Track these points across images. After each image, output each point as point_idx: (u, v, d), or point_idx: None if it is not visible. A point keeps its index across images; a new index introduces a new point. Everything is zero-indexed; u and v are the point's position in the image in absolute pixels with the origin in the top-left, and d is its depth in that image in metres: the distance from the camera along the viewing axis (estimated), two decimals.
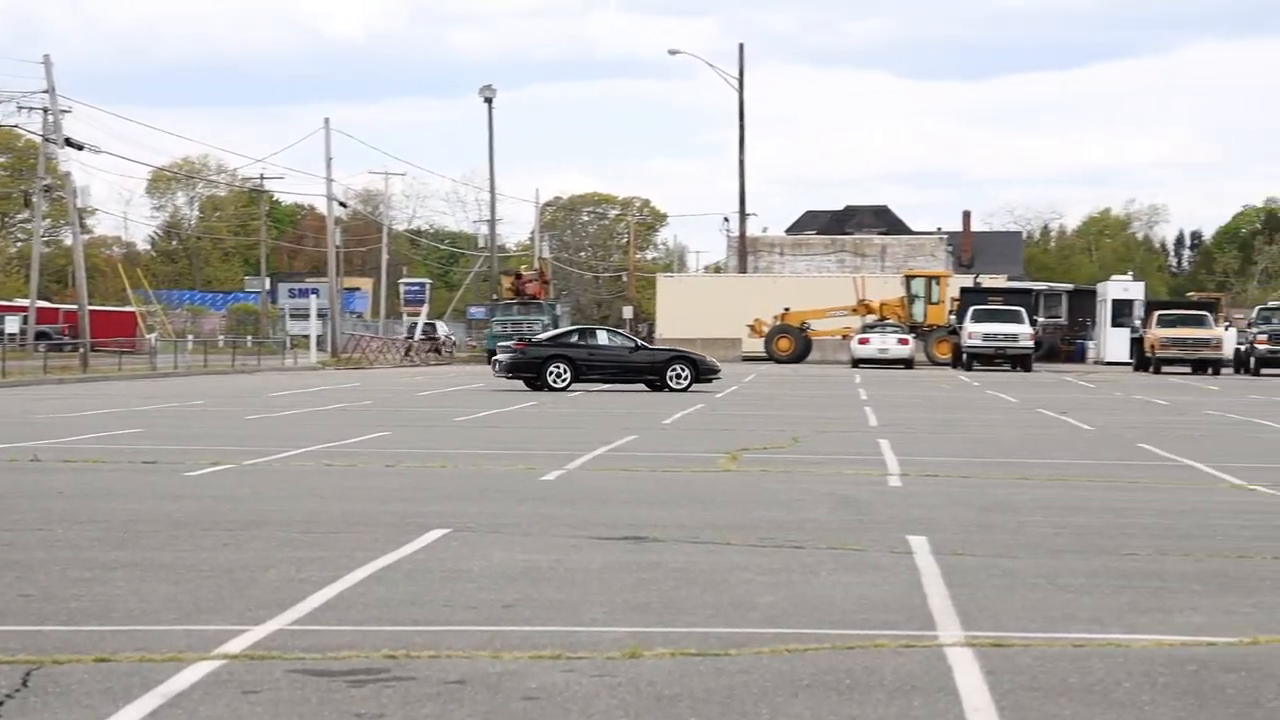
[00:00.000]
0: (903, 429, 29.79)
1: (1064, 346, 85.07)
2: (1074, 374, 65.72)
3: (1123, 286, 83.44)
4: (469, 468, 20.96)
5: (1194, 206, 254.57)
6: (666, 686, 8.41)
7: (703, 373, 44.93)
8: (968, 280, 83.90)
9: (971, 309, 71.42)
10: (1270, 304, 78.01)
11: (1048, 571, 12.43)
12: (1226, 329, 72.49)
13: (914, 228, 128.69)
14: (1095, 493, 18.65)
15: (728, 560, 12.85)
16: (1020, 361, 69.11)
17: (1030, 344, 69.54)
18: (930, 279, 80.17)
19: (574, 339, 46.42)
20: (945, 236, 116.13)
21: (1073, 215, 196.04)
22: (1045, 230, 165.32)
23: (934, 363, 74.44)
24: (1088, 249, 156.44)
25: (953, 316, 75.21)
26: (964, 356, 69.90)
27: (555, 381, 44.36)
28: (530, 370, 44.89)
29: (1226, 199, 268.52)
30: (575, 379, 44.74)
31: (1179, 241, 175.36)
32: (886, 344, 71.59)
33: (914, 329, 75.42)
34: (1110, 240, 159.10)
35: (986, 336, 69.34)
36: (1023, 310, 71.89)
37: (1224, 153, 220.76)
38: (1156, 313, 70.71)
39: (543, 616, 10.35)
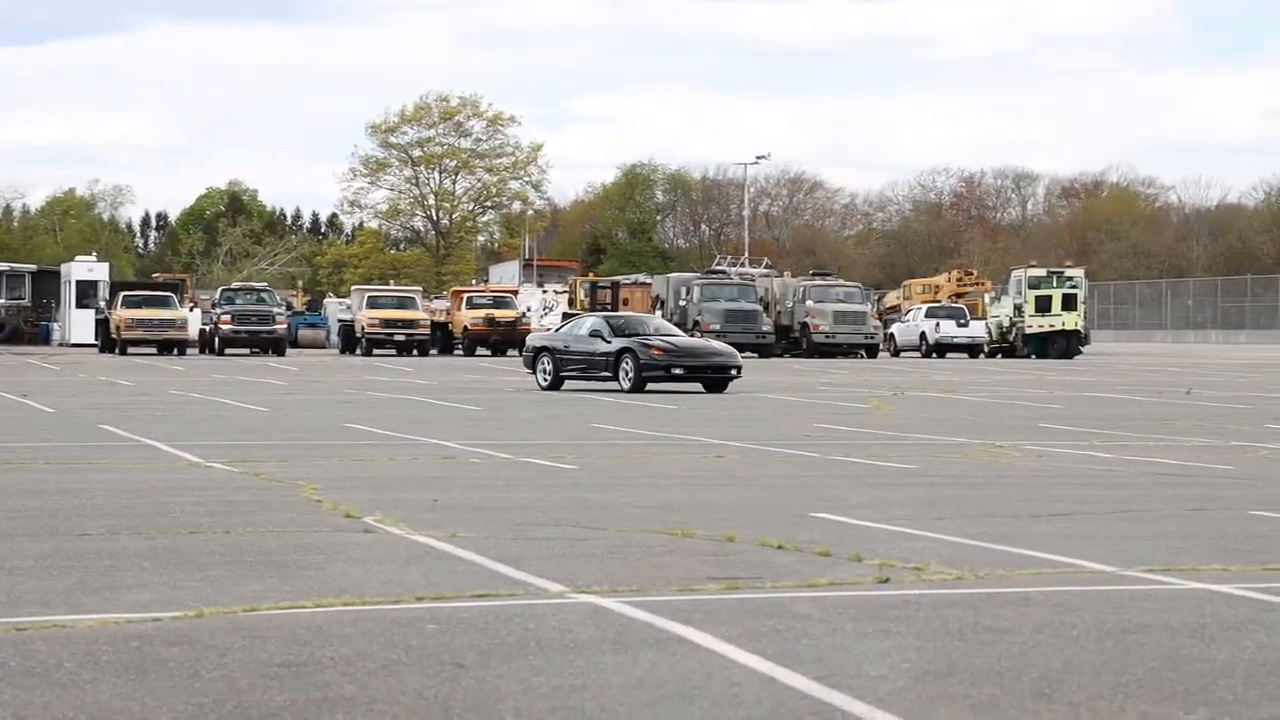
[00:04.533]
0: None
1: (29, 329, 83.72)
2: (39, 356, 64.71)
3: (87, 267, 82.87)
4: None
5: (159, 188, 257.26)
6: None
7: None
8: None
9: None
10: (234, 285, 79.80)
11: None
12: (192, 310, 73.52)
13: None
14: (52, 475, 18.44)
15: None
16: None
17: None
18: None
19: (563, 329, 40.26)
20: None
21: (36, 195, 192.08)
22: (8, 210, 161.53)
23: None
24: (53, 229, 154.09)
25: None
26: None
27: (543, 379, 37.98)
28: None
29: (191, 180, 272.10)
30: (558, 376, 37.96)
31: (145, 222, 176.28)
32: None
33: None
34: (76, 221, 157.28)
35: None
36: None
37: (186, 134, 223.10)
38: (122, 294, 70.78)
39: None
